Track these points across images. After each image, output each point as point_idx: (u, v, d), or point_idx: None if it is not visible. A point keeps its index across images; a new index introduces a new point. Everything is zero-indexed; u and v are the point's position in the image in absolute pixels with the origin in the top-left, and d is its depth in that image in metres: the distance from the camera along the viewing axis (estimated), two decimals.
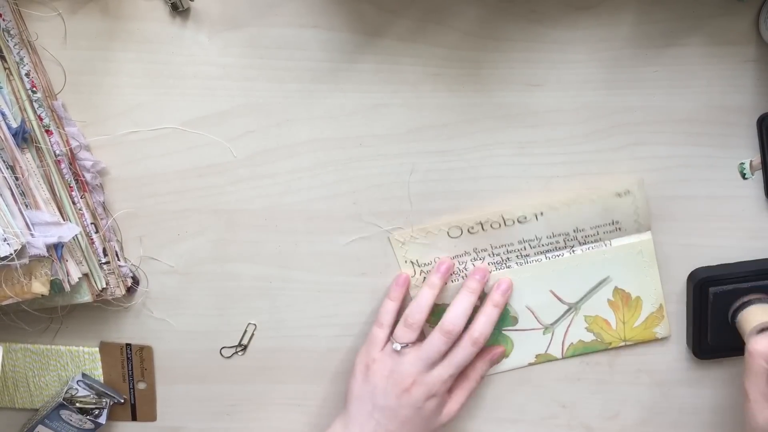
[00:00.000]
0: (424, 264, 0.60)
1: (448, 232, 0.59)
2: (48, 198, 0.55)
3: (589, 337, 0.62)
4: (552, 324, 0.62)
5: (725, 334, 0.60)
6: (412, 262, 0.60)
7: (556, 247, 0.59)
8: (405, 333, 0.58)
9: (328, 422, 0.64)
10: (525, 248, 0.59)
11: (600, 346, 0.62)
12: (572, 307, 0.61)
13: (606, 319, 0.61)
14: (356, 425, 0.58)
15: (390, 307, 0.60)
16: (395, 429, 0.58)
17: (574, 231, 0.59)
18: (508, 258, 0.60)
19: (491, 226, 0.59)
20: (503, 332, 0.62)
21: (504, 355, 0.63)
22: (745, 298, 0.58)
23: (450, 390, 0.60)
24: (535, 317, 0.62)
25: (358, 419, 0.58)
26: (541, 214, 0.58)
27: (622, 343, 0.62)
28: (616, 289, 0.60)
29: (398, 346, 0.58)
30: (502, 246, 0.59)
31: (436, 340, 0.57)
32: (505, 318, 0.62)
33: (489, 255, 0.60)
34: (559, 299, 0.61)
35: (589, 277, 0.60)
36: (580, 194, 0.58)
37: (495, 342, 0.62)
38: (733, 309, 0.59)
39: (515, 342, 0.63)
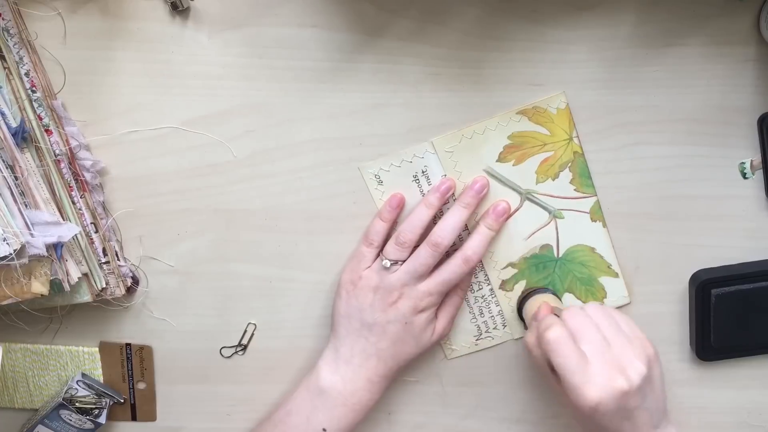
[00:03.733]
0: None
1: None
2: (47, 198, 0.55)
3: (566, 175, 0.59)
4: (548, 213, 0.60)
5: (729, 336, 0.60)
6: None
7: None
8: (395, 250, 0.56)
9: None
10: None
11: (577, 160, 0.58)
12: (522, 194, 0.59)
13: (540, 162, 0.58)
14: (345, 345, 0.57)
15: (379, 227, 0.58)
16: (385, 347, 0.57)
17: None
18: None
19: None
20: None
21: (482, 250, 0.59)
22: (530, 291, 0.61)
23: (438, 308, 0.59)
24: (540, 229, 0.60)
25: (347, 339, 0.57)
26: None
27: (574, 136, 0.57)
28: (506, 144, 0.58)
29: (387, 263, 0.56)
30: None
31: (423, 252, 0.56)
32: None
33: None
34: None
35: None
36: None
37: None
38: (518, 301, 0.61)
39: (581, 242, 0.60)
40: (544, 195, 0.59)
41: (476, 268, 0.60)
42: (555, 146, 0.58)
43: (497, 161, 0.58)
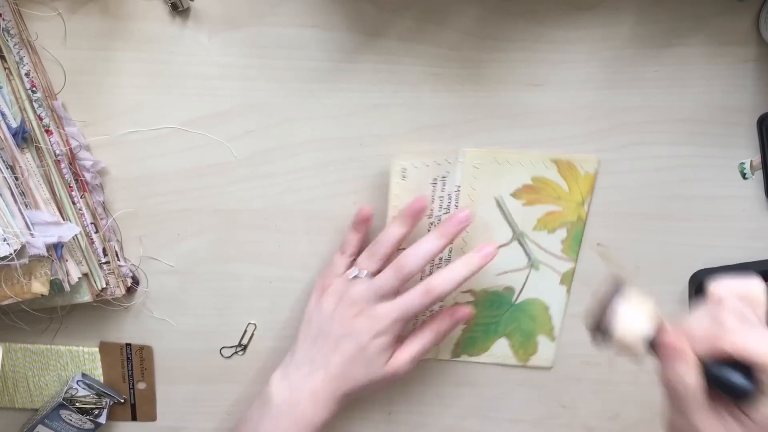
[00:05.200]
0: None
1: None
2: (48, 198, 0.55)
3: (562, 233, 0.59)
4: (528, 260, 0.60)
5: None
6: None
7: None
8: (365, 261, 0.56)
9: None
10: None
11: (577, 226, 0.58)
12: (516, 234, 0.59)
13: (547, 212, 0.58)
14: (300, 351, 0.57)
15: (351, 238, 0.58)
16: (335, 363, 0.55)
17: None
18: None
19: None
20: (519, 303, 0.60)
21: (471, 316, 0.58)
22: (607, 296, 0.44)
23: (404, 341, 0.57)
24: (514, 271, 0.60)
25: (303, 344, 0.57)
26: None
27: (586, 202, 0.58)
28: (527, 183, 0.58)
29: (356, 271, 0.56)
30: None
31: (388, 273, 0.54)
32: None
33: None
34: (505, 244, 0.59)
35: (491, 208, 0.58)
36: None
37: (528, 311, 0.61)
38: (595, 313, 0.44)
39: (538, 296, 0.60)
40: (533, 243, 0.60)
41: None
42: (566, 204, 0.58)
43: (511, 195, 0.58)
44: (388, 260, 0.56)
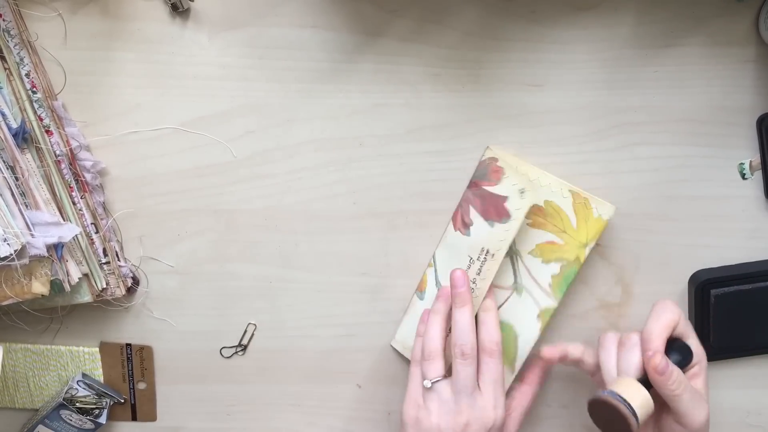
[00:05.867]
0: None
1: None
2: (48, 198, 0.55)
3: (555, 268, 0.58)
4: (514, 281, 0.59)
5: (728, 336, 0.60)
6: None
7: None
8: (429, 367, 0.56)
9: (328, 422, 0.65)
10: None
11: (572, 266, 0.57)
12: (511, 249, 0.58)
13: (548, 241, 0.58)
14: None
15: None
16: None
17: None
18: None
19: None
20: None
21: (554, 359, 0.58)
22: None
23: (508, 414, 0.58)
24: (498, 287, 0.59)
25: None
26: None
27: (588, 246, 0.57)
28: (532, 209, 0.57)
29: (428, 383, 0.55)
30: None
31: (459, 366, 0.55)
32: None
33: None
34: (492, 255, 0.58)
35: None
36: None
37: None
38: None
39: (511, 321, 0.59)
40: (524, 266, 0.58)
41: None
42: (569, 240, 0.57)
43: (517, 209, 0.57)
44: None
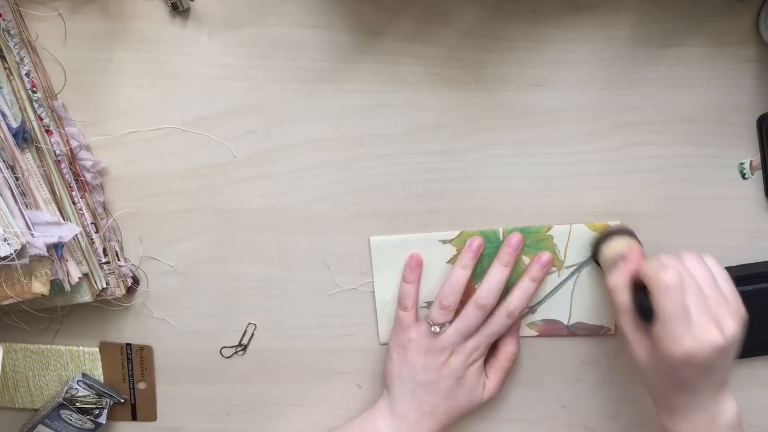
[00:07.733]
0: None
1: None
2: (48, 198, 0.55)
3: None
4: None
5: None
6: None
7: None
8: (441, 315, 0.58)
9: (328, 422, 0.65)
10: None
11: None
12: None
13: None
14: (400, 403, 0.59)
15: (408, 290, 0.60)
16: (439, 403, 0.59)
17: None
18: None
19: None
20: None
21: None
22: (608, 233, 0.57)
23: (487, 369, 0.61)
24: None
25: (402, 398, 0.59)
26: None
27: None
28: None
29: (437, 328, 0.58)
30: None
31: (471, 314, 0.58)
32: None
33: None
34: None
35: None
36: None
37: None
38: (594, 243, 0.58)
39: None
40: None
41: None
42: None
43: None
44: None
